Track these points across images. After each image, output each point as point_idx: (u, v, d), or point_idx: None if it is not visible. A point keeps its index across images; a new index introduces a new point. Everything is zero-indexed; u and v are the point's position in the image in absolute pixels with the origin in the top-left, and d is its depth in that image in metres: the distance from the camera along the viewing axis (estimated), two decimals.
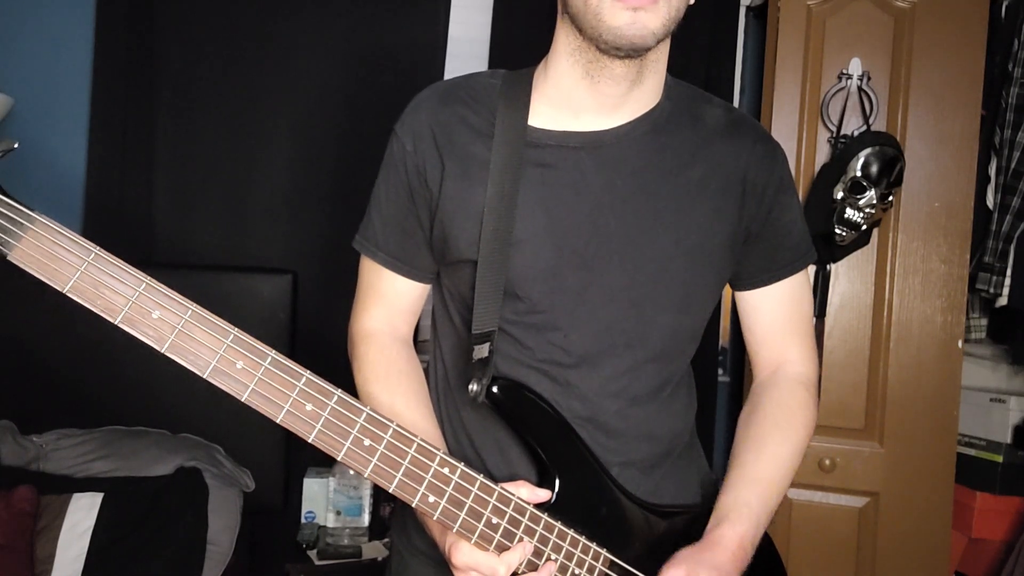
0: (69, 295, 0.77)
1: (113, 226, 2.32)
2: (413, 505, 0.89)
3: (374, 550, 2.24)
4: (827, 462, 2.15)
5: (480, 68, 2.48)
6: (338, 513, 2.29)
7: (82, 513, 1.87)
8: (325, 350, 2.29)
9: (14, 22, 2.34)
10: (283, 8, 2.43)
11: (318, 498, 2.31)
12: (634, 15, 0.88)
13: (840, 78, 2.17)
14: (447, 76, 2.46)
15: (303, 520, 2.31)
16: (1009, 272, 2.20)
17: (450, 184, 1.01)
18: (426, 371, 1.13)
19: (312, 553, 2.22)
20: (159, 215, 2.38)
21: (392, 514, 2.28)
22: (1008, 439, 2.30)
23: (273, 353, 0.82)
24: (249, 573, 2.12)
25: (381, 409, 1.02)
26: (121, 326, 0.78)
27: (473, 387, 0.96)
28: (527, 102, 1.02)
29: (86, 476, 1.96)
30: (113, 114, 2.33)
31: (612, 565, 0.98)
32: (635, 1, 0.88)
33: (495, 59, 2.47)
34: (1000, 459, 2.29)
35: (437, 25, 2.48)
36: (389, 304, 1.10)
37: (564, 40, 0.99)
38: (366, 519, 2.31)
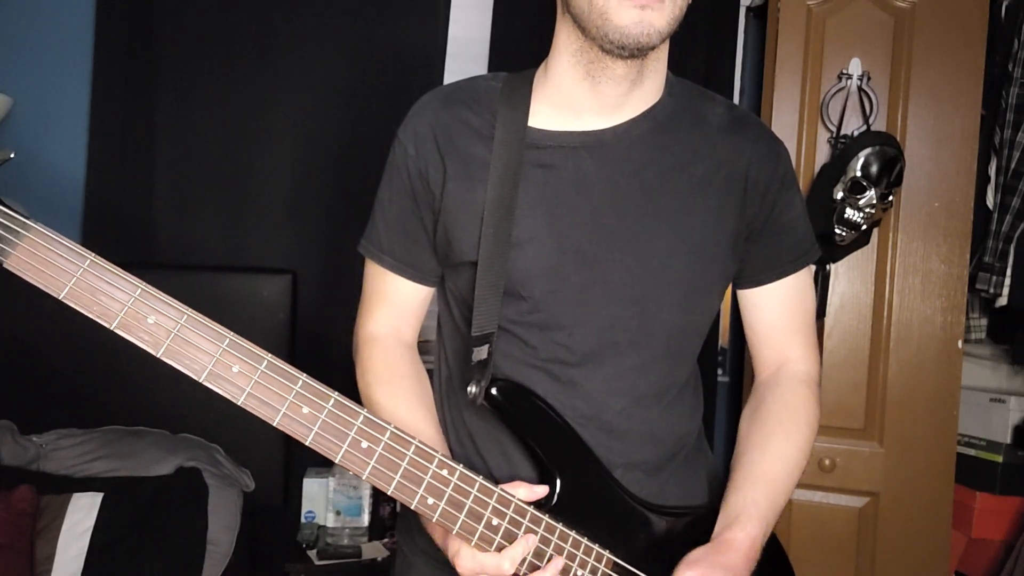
0: (65, 301, 0.77)
1: (113, 226, 2.32)
2: (412, 507, 0.89)
3: (374, 550, 2.25)
4: (827, 462, 2.15)
5: (480, 68, 2.48)
6: (338, 513, 2.29)
7: (82, 513, 1.87)
8: (325, 350, 2.30)
9: (14, 22, 2.34)
10: (283, 8, 2.42)
11: (318, 498, 2.32)
12: (641, 13, 0.89)
13: (840, 78, 2.17)
14: (447, 76, 2.46)
15: (303, 520, 2.32)
16: (1009, 272, 2.20)
17: (452, 186, 1.01)
18: (430, 373, 1.13)
19: (312, 553, 2.22)
20: (159, 216, 2.38)
21: (396, 515, 2.29)
22: (1008, 439, 2.29)
23: (269, 357, 0.83)
24: (249, 573, 2.12)
25: (383, 413, 1.02)
26: (117, 331, 0.79)
27: (472, 389, 0.96)
28: (527, 103, 1.02)
29: (86, 476, 1.96)
30: (113, 114, 2.33)
31: (615, 566, 0.98)
32: None
33: (495, 59, 2.47)
34: (1000, 459, 2.29)
35: (437, 25, 2.48)
36: (394, 308, 1.10)
37: (565, 41, 0.99)
38: (366, 519, 2.31)
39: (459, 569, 0.92)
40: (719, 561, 0.94)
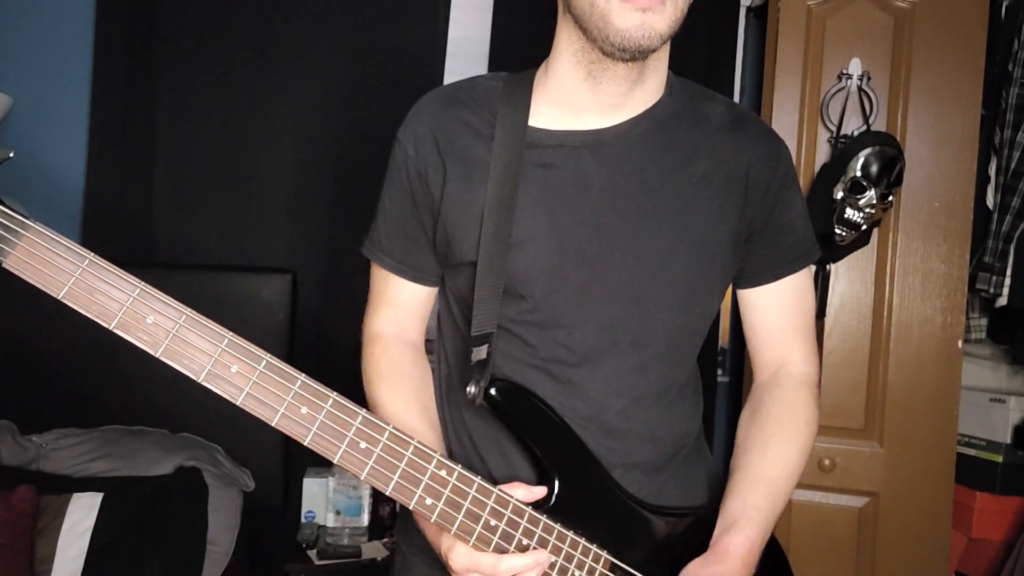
0: (64, 301, 0.77)
1: (112, 226, 2.32)
2: (411, 507, 0.89)
3: (374, 550, 2.25)
4: (827, 462, 2.15)
5: (480, 69, 2.49)
6: (338, 513, 2.29)
7: (82, 513, 1.87)
8: (325, 350, 2.31)
9: (14, 22, 2.34)
10: (283, 8, 2.43)
11: (318, 498, 2.32)
12: (643, 16, 0.89)
13: (840, 78, 2.17)
14: (447, 76, 2.46)
15: (303, 520, 2.32)
16: (1009, 272, 2.20)
17: (452, 187, 1.01)
18: (432, 372, 1.13)
19: (312, 553, 2.22)
20: (159, 215, 2.38)
21: (396, 515, 2.29)
22: (1008, 439, 2.29)
23: (268, 357, 0.83)
24: (249, 573, 2.12)
25: (381, 410, 1.02)
26: (116, 331, 0.79)
27: (471, 389, 0.96)
28: (528, 103, 1.02)
29: (86, 476, 1.96)
30: (113, 114, 2.33)
31: (612, 567, 0.98)
32: (644, 2, 0.88)
33: (495, 59, 2.47)
34: (1000, 459, 2.29)
35: (437, 25, 2.48)
36: (397, 308, 1.11)
37: (566, 41, 0.99)
38: (366, 519, 2.31)
39: (452, 564, 0.92)
40: (717, 572, 0.94)
